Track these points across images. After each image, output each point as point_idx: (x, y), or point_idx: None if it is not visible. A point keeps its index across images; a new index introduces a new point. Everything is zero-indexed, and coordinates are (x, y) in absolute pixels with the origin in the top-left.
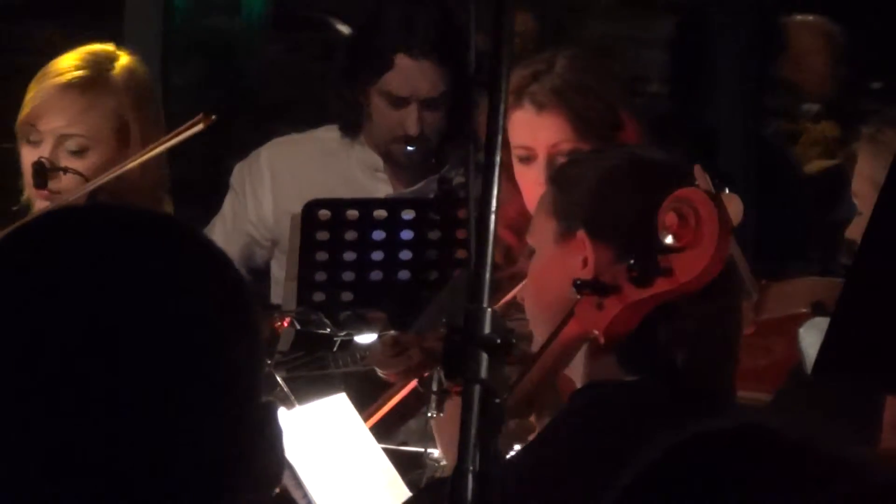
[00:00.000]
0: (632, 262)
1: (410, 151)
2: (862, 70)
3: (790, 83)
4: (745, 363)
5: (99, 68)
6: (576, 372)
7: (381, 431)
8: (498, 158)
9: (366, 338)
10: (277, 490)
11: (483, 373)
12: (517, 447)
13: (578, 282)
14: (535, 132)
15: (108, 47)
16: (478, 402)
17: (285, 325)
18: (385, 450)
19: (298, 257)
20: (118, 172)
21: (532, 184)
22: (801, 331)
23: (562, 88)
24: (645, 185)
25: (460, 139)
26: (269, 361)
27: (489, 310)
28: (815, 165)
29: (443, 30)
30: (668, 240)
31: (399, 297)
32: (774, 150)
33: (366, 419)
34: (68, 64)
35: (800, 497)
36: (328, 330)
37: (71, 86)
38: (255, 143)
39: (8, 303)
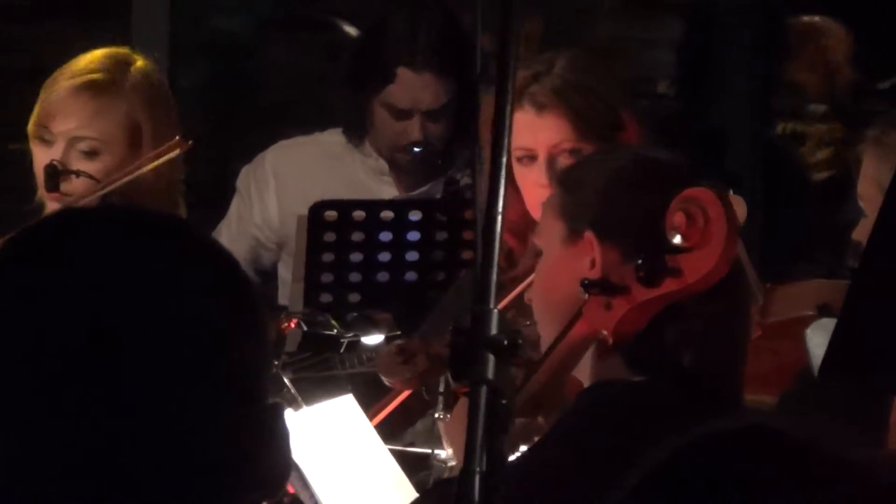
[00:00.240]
0: (640, 262)
1: (417, 152)
2: (868, 71)
3: (796, 84)
4: (752, 366)
5: (113, 71)
6: (583, 372)
7: (388, 433)
8: (504, 160)
9: (373, 339)
10: (290, 491)
11: (490, 374)
12: (523, 448)
13: (586, 282)
14: (535, 133)
15: (124, 50)
16: (484, 404)
17: (292, 326)
18: (392, 451)
19: (305, 259)
20: (128, 179)
21: (533, 185)
22: (808, 332)
23: (562, 88)
24: (652, 185)
25: (466, 140)
26: (275, 363)
27: (495, 311)
28: (821, 167)
29: (445, 41)
30: (677, 240)
31: (406, 298)
32: (780, 151)
33: (370, 419)
34: (82, 66)
35: (805, 498)
36: (335, 331)
37: (84, 88)
38: (260, 144)
39: (12, 301)
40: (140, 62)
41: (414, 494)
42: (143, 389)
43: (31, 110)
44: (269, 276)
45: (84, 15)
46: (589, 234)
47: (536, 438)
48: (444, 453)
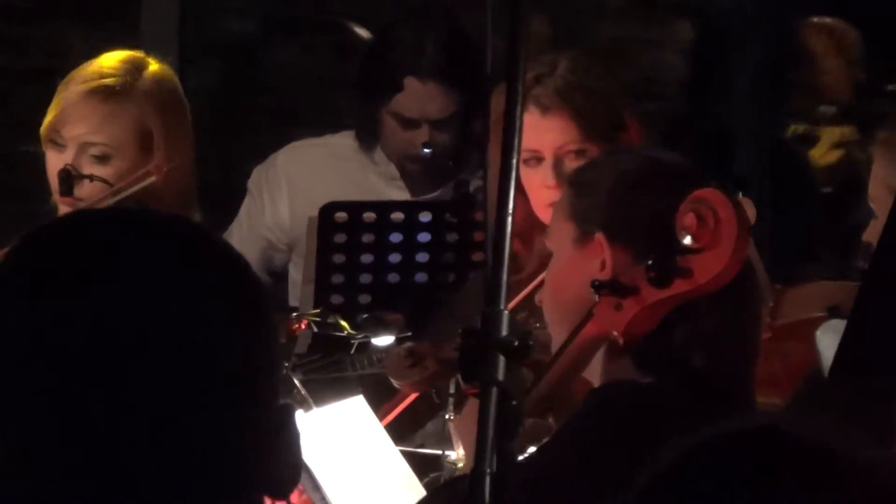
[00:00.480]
0: (650, 262)
1: (427, 153)
2: (878, 72)
3: (806, 86)
4: (761, 368)
5: (125, 76)
6: (593, 373)
7: (398, 434)
8: (515, 161)
9: (383, 340)
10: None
11: (500, 375)
12: (532, 448)
13: (597, 283)
14: (540, 135)
15: (138, 54)
16: (494, 405)
17: (302, 327)
18: (402, 452)
19: (315, 260)
20: (139, 187)
21: (539, 187)
22: (818, 333)
23: (565, 90)
24: (661, 187)
25: (476, 142)
26: (286, 364)
27: (506, 312)
28: (831, 169)
29: (452, 51)
30: (687, 240)
31: (416, 299)
32: (790, 153)
33: (380, 420)
34: (94, 71)
35: (813, 499)
36: (345, 332)
37: (94, 93)
38: (269, 146)
39: (18, 301)
40: (153, 66)
41: (424, 495)
42: (148, 390)
43: (42, 112)
44: (280, 277)
45: (94, 17)
46: (599, 236)
47: (545, 439)
48: (455, 454)
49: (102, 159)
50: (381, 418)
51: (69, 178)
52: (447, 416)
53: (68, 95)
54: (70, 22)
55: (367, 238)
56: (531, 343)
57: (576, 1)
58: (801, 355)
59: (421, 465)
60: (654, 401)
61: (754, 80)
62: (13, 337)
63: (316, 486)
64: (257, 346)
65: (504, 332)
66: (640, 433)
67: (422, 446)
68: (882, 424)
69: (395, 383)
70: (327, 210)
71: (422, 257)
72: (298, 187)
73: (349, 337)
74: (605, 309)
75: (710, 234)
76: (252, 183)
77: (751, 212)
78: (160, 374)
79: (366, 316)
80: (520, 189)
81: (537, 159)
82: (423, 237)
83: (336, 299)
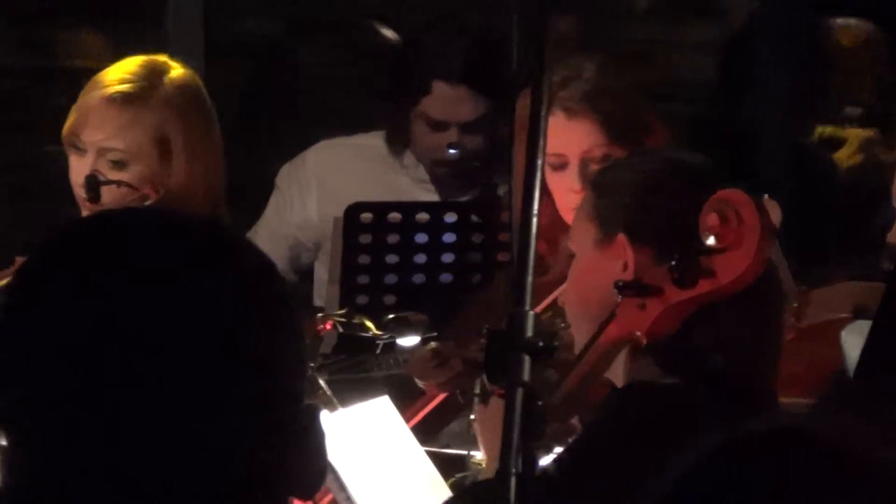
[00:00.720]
0: (674, 263)
1: (453, 154)
2: None
3: (832, 87)
4: (787, 369)
5: (145, 82)
6: (615, 374)
7: (423, 434)
8: (540, 161)
9: (408, 340)
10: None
11: (525, 375)
12: (558, 449)
13: (620, 283)
14: (566, 139)
15: (161, 58)
16: (520, 405)
17: (328, 328)
18: (428, 452)
19: (341, 260)
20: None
21: (565, 191)
22: (844, 334)
23: (591, 94)
24: (683, 188)
25: (503, 145)
26: (311, 365)
27: (531, 312)
28: (856, 170)
29: (480, 56)
30: (711, 241)
31: (441, 299)
32: (815, 154)
33: (406, 421)
34: (115, 76)
35: (835, 498)
36: (370, 333)
37: (113, 99)
38: (294, 146)
39: (44, 303)
40: (175, 71)
41: (449, 496)
42: (172, 392)
43: (67, 113)
44: (307, 275)
45: (120, 18)
46: (621, 238)
47: (570, 440)
48: (480, 455)
49: (120, 165)
50: (406, 420)
51: (96, 183)
52: (472, 417)
53: (88, 100)
54: (95, 23)
55: (393, 239)
56: (557, 344)
57: (602, 2)
58: (827, 356)
59: (446, 466)
60: (679, 401)
61: (779, 81)
62: (36, 337)
63: (341, 487)
64: (280, 346)
65: (529, 332)
66: (664, 434)
67: (447, 446)
68: None
69: (420, 384)
70: (352, 211)
71: (447, 258)
72: (327, 186)
73: (374, 337)
74: (629, 309)
75: (734, 234)
76: (280, 180)
77: (776, 213)
78: (188, 377)
79: (391, 316)
80: (546, 192)
81: (563, 163)
82: (449, 238)
83: (361, 300)
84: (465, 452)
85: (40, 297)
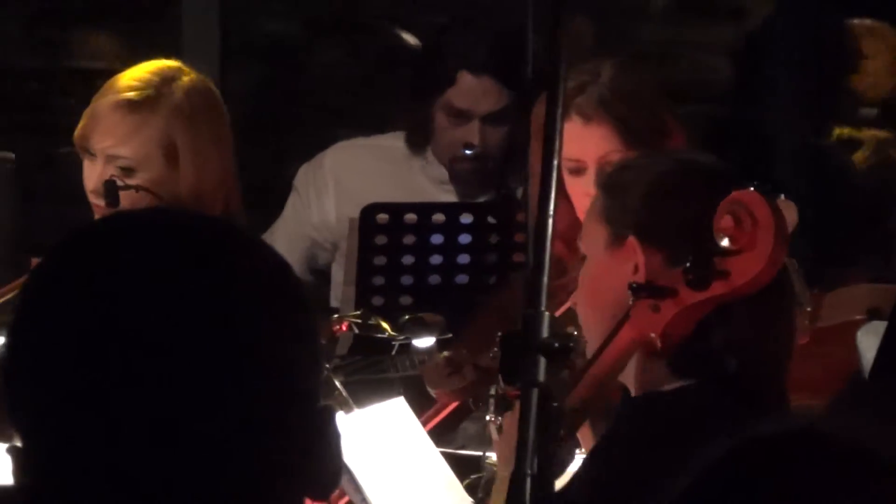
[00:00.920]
0: (689, 265)
1: (468, 154)
2: None
3: (849, 88)
4: (802, 371)
5: (154, 89)
6: (628, 377)
7: (438, 435)
8: (556, 162)
9: (424, 342)
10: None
11: (541, 377)
12: (579, 452)
13: (634, 285)
14: (583, 144)
15: (173, 64)
16: (535, 407)
17: (344, 329)
18: (443, 453)
19: (357, 261)
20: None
21: (583, 195)
22: (859, 335)
23: (608, 99)
24: (695, 189)
25: (520, 146)
26: (327, 366)
27: (547, 314)
28: (871, 171)
29: (504, 50)
30: (725, 242)
31: (457, 300)
32: (831, 156)
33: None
34: (125, 83)
35: (851, 500)
36: (386, 334)
37: (120, 106)
38: (310, 147)
39: (57, 304)
40: (186, 77)
41: (465, 497)
42: (187, 393)
43: (81, 115)
44: (324, 275)
45: (135, 19)
46: (632, 240)
47: (579, 451)
48: (496, 456)
49: (128, 171)
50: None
51: (115, 188)
52: (487, 418)
53: (98, 106)
54: (111, 24)
55: (409, 240)
56: (572, 345)
57: (618, 3)
58: (842, 358)
59: (462, 467)
60: (694, 404)
61: (795, 82)
62: (50, 339)
63: (357, 488)
64: (295, 347)
65: (545, 333)
66: (679, 437)
67: (462, 448)
68: None
69: (433, 391)
70: (368, 211)
71: (463, 259)
72: (345, 187)
73: (390, 338)
74: (643, 311)
75: (748, 235)
76: (298, 181)
77: (792, 214)
78: (204, 377)
79: (407, 317)
80: (565, 196)
81: (581, 168)
82: (465, 239)
83: (377, 301)
84: (480, 454)
85: (49, 297)
